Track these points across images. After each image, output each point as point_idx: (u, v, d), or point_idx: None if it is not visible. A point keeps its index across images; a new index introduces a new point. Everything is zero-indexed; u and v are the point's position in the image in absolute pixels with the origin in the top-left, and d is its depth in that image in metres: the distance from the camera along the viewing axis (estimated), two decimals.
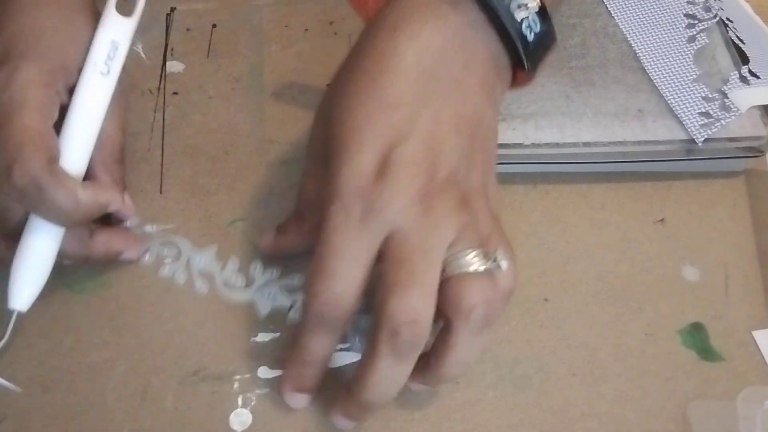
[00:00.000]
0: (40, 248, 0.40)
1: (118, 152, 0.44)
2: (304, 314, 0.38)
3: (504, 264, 0.37)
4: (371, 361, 0.36)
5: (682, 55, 0.50)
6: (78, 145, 0.41)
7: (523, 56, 0.39)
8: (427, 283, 0.36)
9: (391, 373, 0.37)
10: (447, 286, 0.36)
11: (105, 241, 0.43)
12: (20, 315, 0.40)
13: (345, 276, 0.36)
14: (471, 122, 0.38)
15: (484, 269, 0.36)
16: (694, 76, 0.49)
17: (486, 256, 0.37)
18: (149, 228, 0.46)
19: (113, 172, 0.44)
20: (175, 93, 0.52)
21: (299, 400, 0.41)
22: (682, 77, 0.49)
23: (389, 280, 0.36)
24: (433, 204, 0.36)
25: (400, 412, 0.41)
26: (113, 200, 0.42)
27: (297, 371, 0.40)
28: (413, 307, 0.35)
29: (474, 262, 0.36)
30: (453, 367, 0.38)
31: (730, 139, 0.47)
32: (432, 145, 0.37)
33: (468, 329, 0.36)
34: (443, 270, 0.36)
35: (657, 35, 0.51)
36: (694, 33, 0.51)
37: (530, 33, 0.39)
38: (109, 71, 0.42)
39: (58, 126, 0.41)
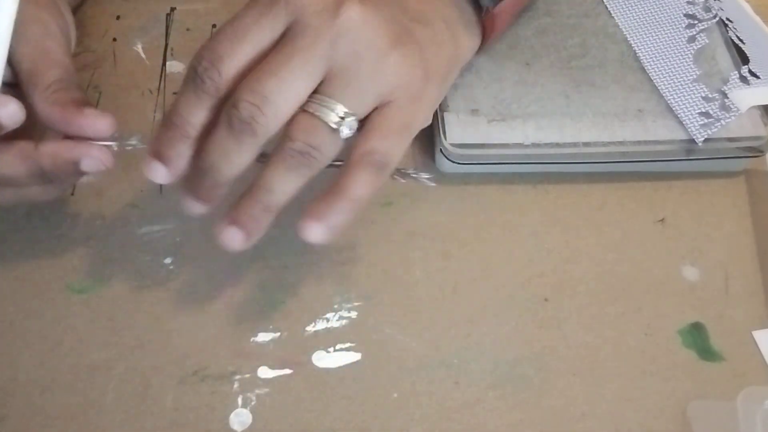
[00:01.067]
0: None
1: (51, 78, 0.40)
2: (185, 74, 0.38)
3: (345, 131, 0.37)
4: (213, 130, 0.38)
5: (682, 55, 0.50)
6: None
7: None
8: (291, 80, 0.36)
9: (223, 144, 0.37)
10: (299, 113, 0.37)
11: (53, 152, 0.40)
12: None
13: (231, 41, 0.37)
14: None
15: (331, 125, 0.37)
16: (694, 76, 0.49)
17: (344, 116, 0.37)
18: (133, 141, 0.43)
19: (59, 99, 0.40)
20: (175, 93, 0.51)
21: (154, 168, 0.39)
22: (682, 77, 0.49)
23: (264, 60, 0.37)
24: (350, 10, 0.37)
25: (400, 412, 0.41)
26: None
27: (161, 133, 0.39)
28: (263, 91, 0.36)
29: (327, 114, 0.37)
30: (264, 185, 0.38)
31: (730, 139, 0.48)
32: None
33: (283, 158, 0.37)
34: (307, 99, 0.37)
35: (657, 35, 0.51)
36: (694, 33, 0.51)
37: None
38: None
39: None
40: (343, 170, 0.38)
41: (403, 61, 0.38)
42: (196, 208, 0.40)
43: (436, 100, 0.42)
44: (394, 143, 0.39)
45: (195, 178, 0.39)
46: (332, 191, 0.38)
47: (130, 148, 0.42)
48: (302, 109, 0.37)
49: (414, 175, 0.43)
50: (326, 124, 0.37)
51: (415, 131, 0.40)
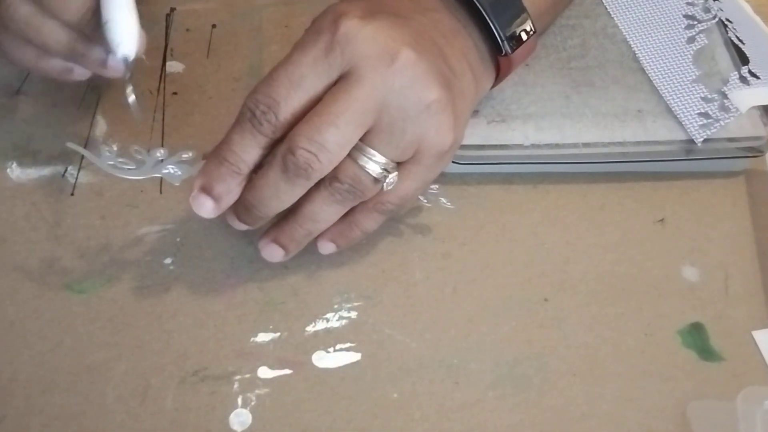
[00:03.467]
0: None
1: None
2: (239, 113, 0.39)
3: (388, 184, 0.40)
4: (265, 169, 0.39)
5: (681, 56, 0.50)
6: None
7: (499, 35, 0.43)
8: (347, 131, 0.38)
9: (275, 184, 0.39)
10: (346, 159, 0.39)
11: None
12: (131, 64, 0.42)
13: (287, 87, 0.38)
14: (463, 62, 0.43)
15: (375, 176, 0.40)
16: (694, 77, 0.49)
17: (386, 168, 0.40)
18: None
19: None
20: (175, 93, 0.52)
21: (203, 203, 0.40)
22: (681, 78, 0.49)
23: (320, 107, 0.38)
24: (415, 73, 0.38)
25: (400, 412, 0.41)
26: None
27: (212, 168, 0.40)
28: (320, 140, 0.37)
29: (373, 166, 0.39)
30: (310, 215, 0.41)
31: (730, 140, 0.48)
32: (432, 38, 0.41)
33: (331, 193, 0.40)
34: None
35: (656, 36, 0.52)
36: (694, 34, 0.51)
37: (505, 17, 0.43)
38: None
39: None
40: (359, 207, 0.42)
41: (442, 123, 0.40)
42: (242, 227, 0.42)
43: (456, 150, 0.43)
44: (410, 198, 0.43)
45: (241, 207, 0.41)
46: (347, 222, 0.43)
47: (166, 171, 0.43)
48: (348, 155, 0.39)
49: (434, 194, 0.47)
50: (370, 174, 0.40)
51: (432, 181, 0.44)
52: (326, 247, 0.44)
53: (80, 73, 0.45)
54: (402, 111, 0.38)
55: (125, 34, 0.41)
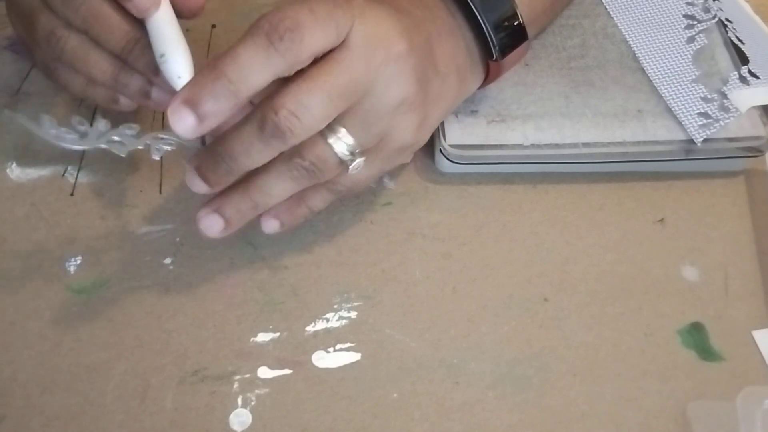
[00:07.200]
0: (166, 25, 0.40)
1: None
2: (252, 27, 0.36)
3: (353, 167, 0.40)
4: (241, 121, 0.37)
5: (681, 56, 0.50)
6: None
7: (490, 38, 0.43)
8: (332, 104, 0.37)
9: (248, 140, 0.37)
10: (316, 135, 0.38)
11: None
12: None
13: (314, 19, 0.35)
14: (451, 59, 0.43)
15: (341, 158, 0.39)
16: (693, 77, 0.49)
17: (353, 152, 0.39)
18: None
19: None
20: None
21: (183, 117, 0.36)
22: (681, 78, 0.50)
23: (314, 72, 0.37)
24: (389, 56, 0.38)
25: (400, 412, 0.41)
26: None
27: (205, 81, 0.36)
28: (308, 106, 0.36)
29: (342, 147, 0.39)
30: (263, 187, 0.40)
31: (730, 139, 0.48)
32: (427, 34, 0.41)
33: (289, 168, 0.39)
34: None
35: (656, 36, 0.52)
36: (694, 34, 0.51)
37: (497, 19, 0.43)
38: None
39: None
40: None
41: (409, 122, 0.41)
42: (201, 187, 0.40)
43: (418, 148, 0.44)
44: (362, 184, 0.43)
45: (209, 159, 0.39)
46: (294, 198, 0.42)
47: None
48: (319, 132, 0.38)
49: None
50: (337, 155, 0.39)
51: (385, 172, 0.45)
52: (270, 225, 0.43)
53: (126, 104, 0.44)
54: (380, 102, 0.39)
55: (182, 66, 0.39)
